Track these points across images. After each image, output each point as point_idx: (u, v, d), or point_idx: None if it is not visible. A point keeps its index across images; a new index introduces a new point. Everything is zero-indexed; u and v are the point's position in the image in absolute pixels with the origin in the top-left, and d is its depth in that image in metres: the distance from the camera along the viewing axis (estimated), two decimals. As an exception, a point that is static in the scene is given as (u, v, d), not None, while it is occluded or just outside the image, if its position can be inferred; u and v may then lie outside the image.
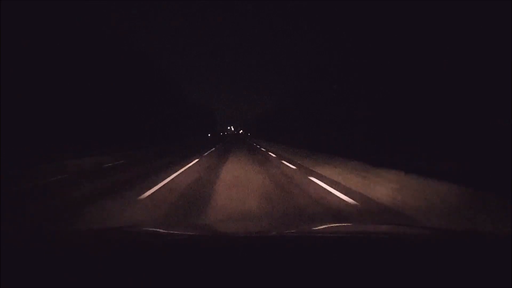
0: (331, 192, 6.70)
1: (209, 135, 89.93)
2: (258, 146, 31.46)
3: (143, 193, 6.89)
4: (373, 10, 18.19)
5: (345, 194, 6.32)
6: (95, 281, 0.89)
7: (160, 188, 7.63)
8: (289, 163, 13.45)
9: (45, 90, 20.43)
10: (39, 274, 0.92)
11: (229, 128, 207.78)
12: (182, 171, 10.93)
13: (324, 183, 7.94)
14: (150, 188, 7.41)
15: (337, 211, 5.23)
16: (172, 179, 9.11)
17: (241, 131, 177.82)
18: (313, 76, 33.23)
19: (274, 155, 18.55)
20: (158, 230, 1.89)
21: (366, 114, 19.85)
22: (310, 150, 19.54)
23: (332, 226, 2.34)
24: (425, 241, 1.36)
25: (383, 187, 6.81)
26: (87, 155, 18.78)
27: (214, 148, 27.41)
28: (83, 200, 6.47)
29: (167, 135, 49.31)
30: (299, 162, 13.73)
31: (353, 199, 5.91)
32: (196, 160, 15.56)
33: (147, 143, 33.86)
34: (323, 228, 1.92)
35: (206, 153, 20.99)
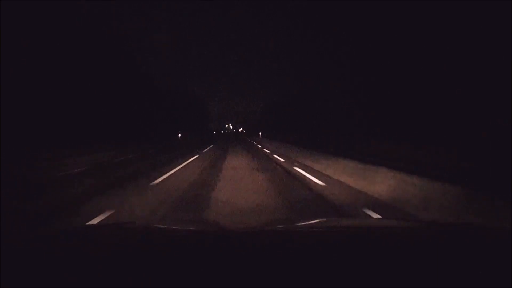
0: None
1: (179, 135, 53.90)
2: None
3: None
4: (374, 10, 18.17)
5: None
6: (95, 281, 0.89)
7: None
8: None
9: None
10: (39, 274, 0.92)
11: (227, 126, 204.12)
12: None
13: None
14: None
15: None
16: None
17: (241, 129, 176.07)
18: (314, 74, 33.23)
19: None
20: (158, 226, 1.89)
21: (367, 114, 19.85)
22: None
23: (330, 220, 2.34)
24: (426, 235, 1.36)
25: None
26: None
27: None
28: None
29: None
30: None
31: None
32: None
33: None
34: (324, 223, 1.92)
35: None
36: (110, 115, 31.49)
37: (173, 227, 1.83)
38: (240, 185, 7.02)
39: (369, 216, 4.44)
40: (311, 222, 2.01)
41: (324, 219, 2.29)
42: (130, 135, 33.85)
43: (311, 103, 34.38)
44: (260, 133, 71.83)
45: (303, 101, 38.65)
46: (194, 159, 14.08)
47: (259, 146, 26.94)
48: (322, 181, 7.30)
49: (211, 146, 28.30)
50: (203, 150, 21.84)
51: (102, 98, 29.95)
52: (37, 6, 21.45)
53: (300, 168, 9.99)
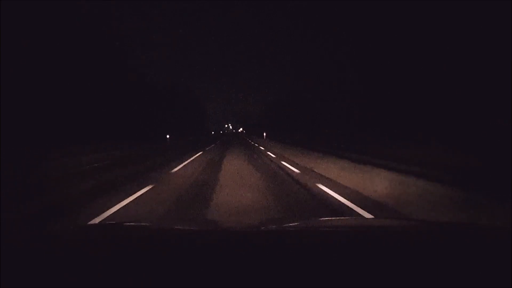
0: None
1: (167, 136, 48.88)
2: None
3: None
4: (373, 10, 18.17)
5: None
6: (95, 281, 0.89)
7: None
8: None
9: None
10: (39, 274, 0.92)
11: (226, 126, 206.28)
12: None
13: None
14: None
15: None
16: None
17: (241, 129, 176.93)
18: (314, 74, 33.28)
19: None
20: (158, 225, 1.89)
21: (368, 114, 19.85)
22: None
23: (328, 220, 2.35)
24: (426, 235, 1.36)
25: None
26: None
27: None
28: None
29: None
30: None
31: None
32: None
33: None
34: (322, 222, 1.92)
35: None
36: (108, 115, 30.65)
37: (174, 227, 1.83)
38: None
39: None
40: (310, 221, 2.01)
41: (323, 219, 2.29)
42: (125, 135, 31.14)
43: (311, 103, 34.42)
44: (265, 134, 59.34)
45: (303, 100, 38.68)
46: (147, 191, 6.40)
47: (271, 154, 16.37)
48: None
49: (200, 153, 18.14)
50: (182, 163, 12.19)
51: (101, 98, 29.50)
52: (37, 6, 21.44)
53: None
